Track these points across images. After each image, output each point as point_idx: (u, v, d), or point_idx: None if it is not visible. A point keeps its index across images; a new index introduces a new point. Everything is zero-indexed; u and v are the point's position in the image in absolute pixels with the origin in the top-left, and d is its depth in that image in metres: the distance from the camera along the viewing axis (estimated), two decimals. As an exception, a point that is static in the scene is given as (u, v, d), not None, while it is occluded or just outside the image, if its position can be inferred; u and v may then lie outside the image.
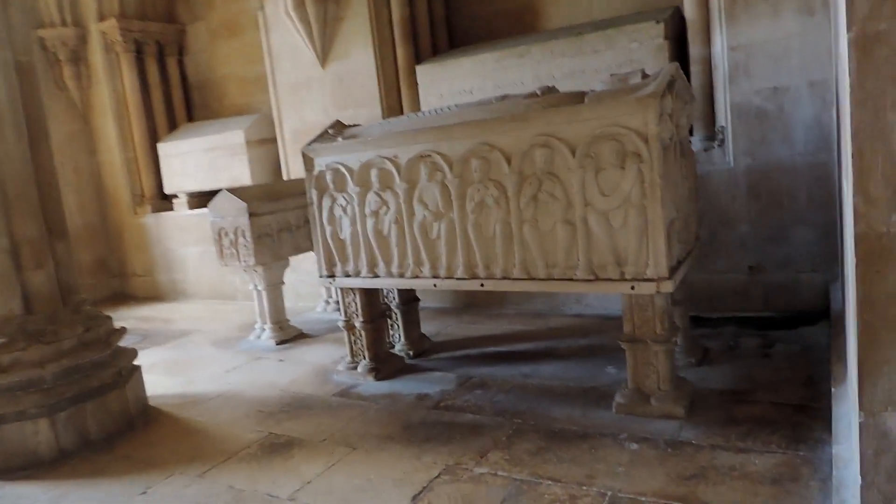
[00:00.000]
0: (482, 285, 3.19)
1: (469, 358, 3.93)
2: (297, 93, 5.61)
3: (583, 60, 4.38)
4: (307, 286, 5.87)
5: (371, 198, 3.47)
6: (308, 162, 3.69)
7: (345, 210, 3.59)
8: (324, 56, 5.37)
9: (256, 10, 5.69)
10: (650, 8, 4.71)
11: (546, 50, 4.49)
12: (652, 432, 2.69)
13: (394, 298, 4.05)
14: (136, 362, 3.69)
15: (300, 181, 5.04)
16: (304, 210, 4.84)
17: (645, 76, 2.92)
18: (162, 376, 4.28)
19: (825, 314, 3.84)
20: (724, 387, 3.07)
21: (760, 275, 4.04)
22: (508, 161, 2.97)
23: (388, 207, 3.43)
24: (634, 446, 2.60)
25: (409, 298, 4.09)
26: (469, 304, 5.10)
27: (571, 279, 2.92)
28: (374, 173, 3.42)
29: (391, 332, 4.10)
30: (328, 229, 3.68)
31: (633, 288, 2.76)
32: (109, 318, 3.60)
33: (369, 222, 3.51)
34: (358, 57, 5.22)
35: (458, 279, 3.26)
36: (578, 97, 2.97)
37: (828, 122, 3.73)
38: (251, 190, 4.78)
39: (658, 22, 4.11)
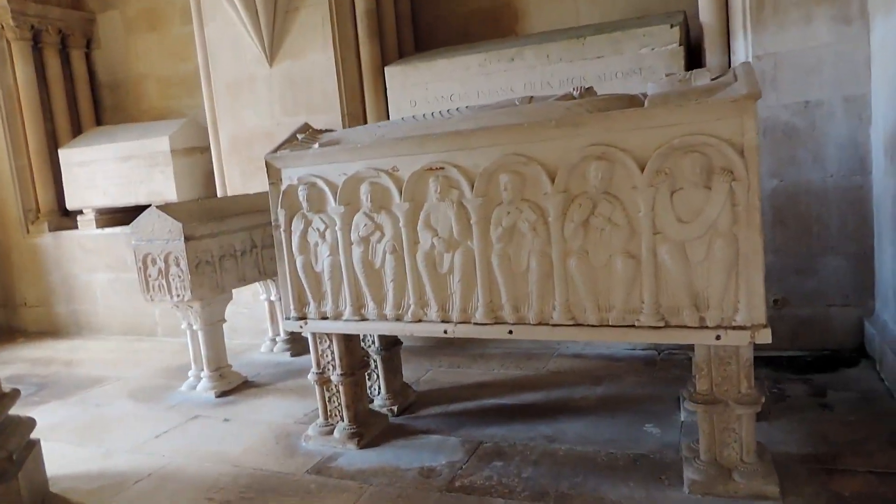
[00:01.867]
0: (510, 332, 2.53)
1: (468, 414, 3.24)
2: (236, 94, 4.78)
3: (584, 66, 3.86)
4: (246, 320, 4.99)
5: (360, 220, 2.75)
6: (273, 173, 2.92)
7: (323, 235, 2.84)
8: (272, 52, 4.58)
9: (187, -4, 4.82)
10: (645, 13, 4.28)
11: (541, 53, 3.94)
12: (748, 523, 2.12)
13: (372, 342, 3.31)
14: (33, 435, 2.75)
15: (246, 197, 4.26)
16: (251, 232, 4.04)
17: (715, 77, 2.39)
18: (68, 444, 3.31)
19: (861, 353, 3.46)
20: (799, 450, 2.55)
21: (786, 309, 3.61)
22: (551, 177, 2.35)
23: (383, 233, 2.71)
24: (737, 546, 2.01)
25: (391, 342, 3.36)
26: (443, 341, 4.42)
27: (633, 326, 2.32)
28: (364, 189, 2.71)
29: (368, 384, 3.35)
30: (299, 259, 2.91)
31: (718, 338, 2.19)
32: (-3, 378, 2.65)
33: (356, 251, 2.78)
34: (314, 54, 4.47)
35: (476, 324, 2.59)
36: (630, 100, 2.41)
37: (864, 142, 3.37)
38: (186, 207, 3.91)
39: (672, 26, 3.65)
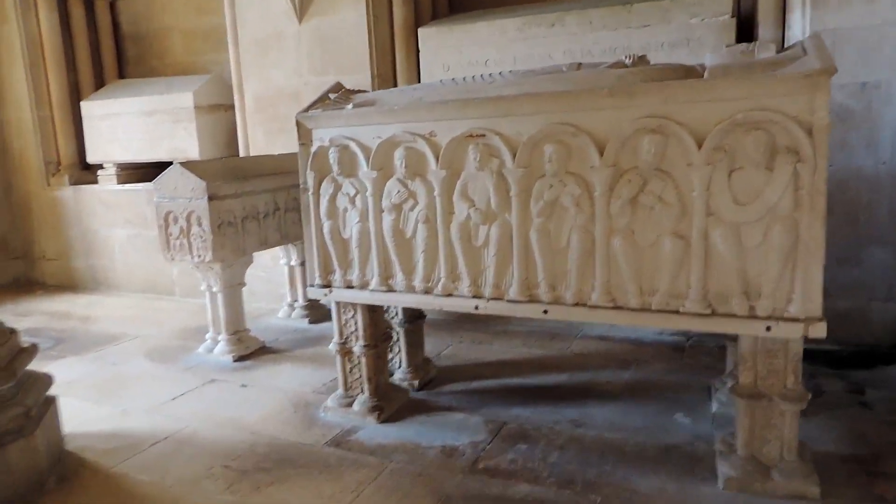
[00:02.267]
0: (545, 312, 2.42)
1: (490, 393, 3.15)
2: (264, 51, 4.64)
3: (628, 35, 3.67)
4: (264, 283, 4.93)
5: (392, 187, 2.63)
6: (304, 133, 2.80)
7: (353, 201, 2.73)
8: (302, 7, 4.42)
9: (216, -54, 4.66)
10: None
11: (584, 19, 3.75)
12: (788, 523, 2.02)
13: (395, 314, 3.22)
14: (51, 391, 2.70)
15: (271, 157, 4.15)
16: (275, 194, 3.94)
17: (781, 50, 2.23)
18: (84, 401, 3.28)
19: (902, 351, 3.33)
20: (839, 450, 2.44)
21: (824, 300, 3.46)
22: (600, 150, 2.21)
23: (417, 201, 2.60)
24: (778, 548, 1.91)
25: (414, 314, 3.27)
26: (465, 316, 4.32)
27: (677, 312, 2.20)
28: (399, 154, 2.58)
29: (389, 357, 3.26)
30: (327, 224, 2.81)
31: (768, 329, 2.07)
32: (13, 332, 2.59)
33: (387, 219, 2.67)
34: (346, 12, 4.31)
35: (510, 301, 2.48)
36: (686, 71, 2.25)
37: (924, 129, 3.19)
38: (210, 165, 3.81)
39: (726, -5, 3.45)
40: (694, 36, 3.53)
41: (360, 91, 2.99)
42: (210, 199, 3.53)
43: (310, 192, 2.82)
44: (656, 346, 3.70)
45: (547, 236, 2.37)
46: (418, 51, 4.32)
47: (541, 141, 2.31)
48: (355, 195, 2.72)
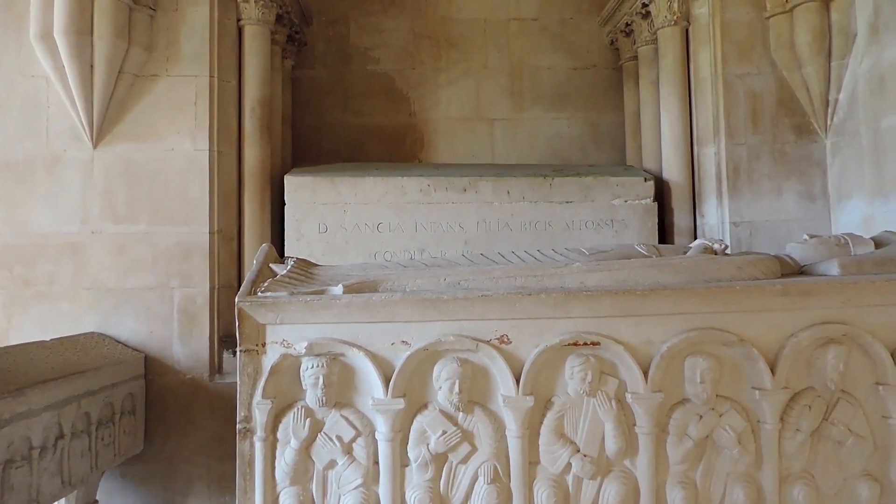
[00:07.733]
0: None
1: None
2: (22, 180, 3.03)
3: (550, 210, 3.28)
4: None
5: (431, 424, 1.60)
6: (250, 331, 1.60)
7: (349, 449, 1.59)
8: (101, 127, 3.05)
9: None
10: (564, 161, 3.98)
11: (500, 188, 3.26)
12: None
13: None
14: None
15: (41, 346, 2.59)
16: (60, 413, 2.40)
17: (881, 244, 2.00)
18: None
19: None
20: None
21: None
22: (771, 365, 1.61)
23: (476, 447, 1.60)
24: None
25: None
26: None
27: (883, 589, 1.61)
28: (446, 371, 1.61)
29: None
30: (289, 493, 1.58)
31: None
32: None
33: (418, 478, 1.60)
34: (174, 139, 3.08)
35: None
36: (780, 263, 1.87)
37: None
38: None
39: (646, 179, 3.34)
40: (617, 217, 3.30)
41: (315, 264, 1.92)
42: (-45, 438, 1.86)
43: (256, 436, 1.57)
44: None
45: (693, 491, 1.61)
46: (273, 203, 3.30)
47: (681, 352, 1.62)
48: (354, 438, 1.59)
